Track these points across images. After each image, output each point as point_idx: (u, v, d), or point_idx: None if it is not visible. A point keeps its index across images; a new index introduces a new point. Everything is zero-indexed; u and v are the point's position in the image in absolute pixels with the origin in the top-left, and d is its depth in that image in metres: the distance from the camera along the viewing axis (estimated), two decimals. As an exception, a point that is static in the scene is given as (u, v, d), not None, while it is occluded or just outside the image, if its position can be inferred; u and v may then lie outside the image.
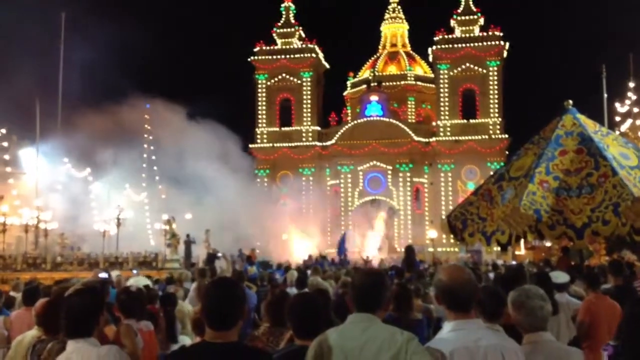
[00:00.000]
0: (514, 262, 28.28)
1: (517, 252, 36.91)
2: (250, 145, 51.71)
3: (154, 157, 48.04)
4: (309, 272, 12.42)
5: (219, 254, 28.08)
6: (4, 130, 37.75)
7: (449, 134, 49.89)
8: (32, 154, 37.90)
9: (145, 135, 48.55)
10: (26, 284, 10.06)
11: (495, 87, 49.64)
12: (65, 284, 9.80)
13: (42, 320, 4.98)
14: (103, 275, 9.63)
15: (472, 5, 51.21)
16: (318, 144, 51.97)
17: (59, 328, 4.25)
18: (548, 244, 33.15)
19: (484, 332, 3.43)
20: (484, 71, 49.75)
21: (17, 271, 23.48)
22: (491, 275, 12.58)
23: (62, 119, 40.23)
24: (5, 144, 37.94)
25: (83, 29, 44.16)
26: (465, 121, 49.93)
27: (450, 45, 50.03)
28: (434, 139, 50.15)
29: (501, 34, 50.03)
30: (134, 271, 15.57)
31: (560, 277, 7.26)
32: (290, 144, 51.90)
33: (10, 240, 31.01)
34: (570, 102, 8.11)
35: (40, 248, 30.51)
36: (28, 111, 36.44)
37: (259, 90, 53.14)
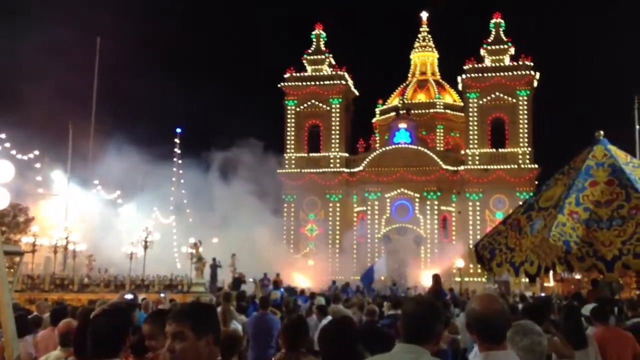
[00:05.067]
0: (542, 294, 27.81)
1: (545, 284, 36.17)
2: (279, 171, 51.93)
3: (182, 181, 48.53)
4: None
5: (250, 279, 28.12)
6: (37, 152, 38.49)
7: (477, 162, 49.55)
8: (63, 176, 38.52)
9: (175, 159, 49.13)
10: (56, 304, 10.14)
11: (525, 116, 49.31)
12: (91, 306, 9.88)
13: (66, 340, 4.98)
14: (129, 297, 9.67)
15: (502, 35, 51.18)
16: (346, 170, 51.99)
17: (84, 349, 4.23)
18: (578, 276, 32.47)
19: None
20: (514, 100, 49.48)
21: (44, 292, 23.73)
22: (519, 306, 12.36)
23: (94, 142, 40.92)
24: (37, 165, 38.63)
25: (118, 54, 45.05)
26: (494, 150, 49.58)
27: (480, 74, 49.95)
28: (462, 167, 49.84)
29: (531, 64, 49.82)
30: (162, 294, 15.60)
31: (589, 310, 7.12)
32: (318, 170, 51.99)
33: (39, 261, 31.43)
34: (602, 132, 8.03)
35: (68, 269, 30.83)
36: (60, 134, 37.18)
37: (288, 116, 53.52)
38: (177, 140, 49.90)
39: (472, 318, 3.39)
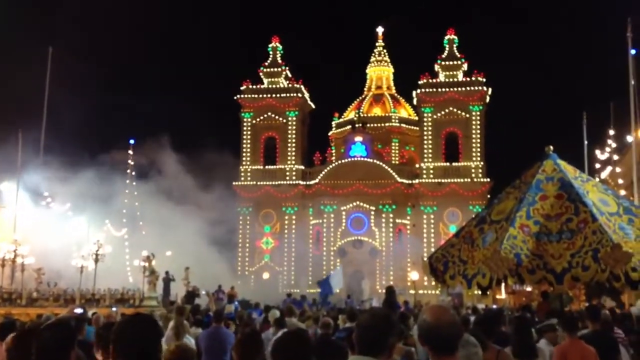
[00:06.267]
0: (494, 306, 28.24)
1: (497, 296, 36.79)
2: (234, 183, 51.60)
3: (135, 193, 47.75)
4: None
5: (203, 292, 27.78)
6: (-16, 163, 37.35)
7: (432, 176, 50.20)
8: (13, 188, 37.48)
9: (128, 171, 48.35)
10: (4, 319, 9.84)
11: (478, 131, 50.23)
12: (39, 320, 9.62)
13: (14, 355, 4.86)
14: (79, 311, 9.43)
15: (456, 51, 52.11)
16: (302, 182, 51.99)
17: None
18: (529, 288, 33.15)
19: None
20: (467, 115, 50.38)
21: (-9, 306, 23.02)
22: (472, 318, 12.50)
23: (44, 153, 39.95)
24: (-15, 177, 37.50)
25: (69, 63, 44.18)
26: (448, 164, 50.33)
27: (434, 89, 50.73)
28: (417, 180, 50.41)
29: (484, 80, 50.87)
30: (113, 308, 15.29)
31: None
32: (273, 183, 51.86)
33: (-15, 274, 30.42)
34: (551, 147, 8.20)
35: (16, 283, 29.97)
36: (10, 144, 36.18)
37: (244, 128, 53.32)
38: (130, 152, 49.14)
39: (423, 329, 3.40)
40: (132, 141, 49.49)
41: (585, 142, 37.45)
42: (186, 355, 5.27)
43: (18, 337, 5.04)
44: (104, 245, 31.12)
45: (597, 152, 36.67)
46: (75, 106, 41.98)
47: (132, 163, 48.91)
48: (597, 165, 36.61)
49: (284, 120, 53.03)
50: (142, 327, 3.11)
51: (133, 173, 48.58)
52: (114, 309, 14.78)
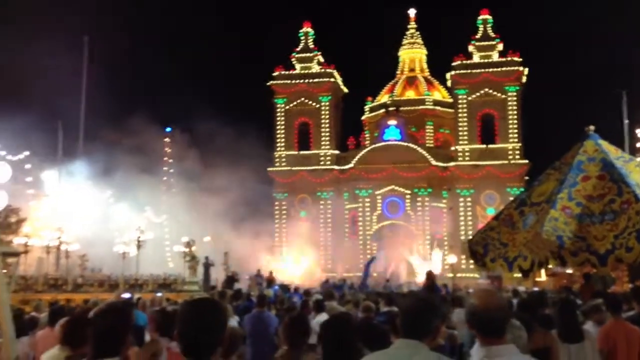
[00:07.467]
0: (535, 289, 27.99)
1: (537, 279, 36.44)
2: (269, 169, 51.93)
3: (172, 180, 48.45)
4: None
5: (246, 276, 28.17)
6: (27, 153, 38.28)
7: (467, 158, 49.76)
8: (55, 176, 38.36)
9: (165, 158, 49.07)
10: (51, 305, 10.14)
11: (514, 112, 49.56)
12: (88, 304, 9.91)
13: (68, 338, 5.00)
14: (126, 296, 9.69)
15: (490, 31, 51.38)
16: (336, 167, 52.05)
17: (84, 345, 4.21)
18: (569, 270, 32.73)
19: (519, 358, 3.35)
20: (503, 96, 49.72)
21: (38, 292, 23.64)
22: (514, 301, 12.49)
23: (84, 142, 40.78)
24: (28, 166, 38.42)
25: (106, 53, 44.86)
26: (484, 146, 49.80)
27: (469, 71, 50.15)
28: (452, 163, 50.03)
29: (520, 59, 50.07)
30: (158, 294, 15.61)
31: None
32: (308, 168, 52.02)
33: (31, 262, 31.29)
34: (592, 127, 8.09)
35: (61, 269, 30.73)
36: (51, 134, 37.02)
37: (278, 114, 53.53)
38: (166, 139, 49.83)
39: (472, 313, 3.40)
40: (168, 129, 50.19)
41: (626, 122, 36.72)
42: (235, 337, 5.44)
43: (71, 321, 5.20)
44: (145, 231, 31.68)
45: (638, 131, 35.94)
46: (113, 94, 42.64)
47: (169, 150, 49.61)
48: (638, 145, 35.91)
49: (317, 105, 53.05)
50: (206, 310, 3.15)
51: (170, 160, 49.29)
52: (159, 294, 15.10)
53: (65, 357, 4.93)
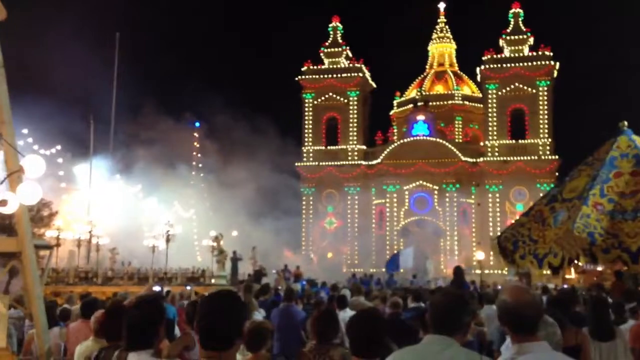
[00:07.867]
0: (565, 286, 27.66)
1: (567, 276, 36.03)
2: (297, 164, 52.03)
3: (202, 175, 48.85)
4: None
5: (273, 271, 28.31)
6: (59, 147, 38.91)
7: (497, 154, 49.28)
8: (86, 170, 38.94)
9: (194, 153, 49.48)
10: (82, 297, 10.31)
11: (545, 107, 48.92)
12: (118, 297, 10.05)
13: (103, 329, 5.08)
14: (157, 288, 9.82)
15: (521, 25, 50.75)
16: (364, 163, 51.94)
17: (119, 337, 4.28)
18: (599, 268, 32.24)
19: (551, 355, 3.31)
20: (534, 91, 49.10)
21: (69, 285, 24.09)
22: (543, 298, 12.37)
23: (115, 137, 41.30)
24: (59, 160, 39.05)
25: (137, 50, 45.33)
26: (513, 141, 49.28)
27: (499, 65, 49.60)
28: (481, 159, 49.59)
29: (551, 54, 49.39)
30: (187, 287, 15.80)
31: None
32: (336, 163, 51.99)
33: (63, 255, 31.84)
34: (626, 123, 7.96)
35: (92, 262, 31.21)
36: (82, 128, 37.56)
37: (306, 108, 53.55)
38: (195, 134, 50.24)
39: (503, 310, 3.36)
40: (197, 124, 50.59)
41: (660, 117, 36.00)
42: (263, 332, 5.48)
43: (107, 313, 5.29)
44: (173, 225, 32.00)
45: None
46: (144, 89, 43.10)
47: (197, 145, 50.01)
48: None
49: (345, 100, 52.96)
50: (224, 303, 3.16)
51: (198, 155, 49.69)
52: (188, 287, 15.28)
53: (100, 348, 5.01)
